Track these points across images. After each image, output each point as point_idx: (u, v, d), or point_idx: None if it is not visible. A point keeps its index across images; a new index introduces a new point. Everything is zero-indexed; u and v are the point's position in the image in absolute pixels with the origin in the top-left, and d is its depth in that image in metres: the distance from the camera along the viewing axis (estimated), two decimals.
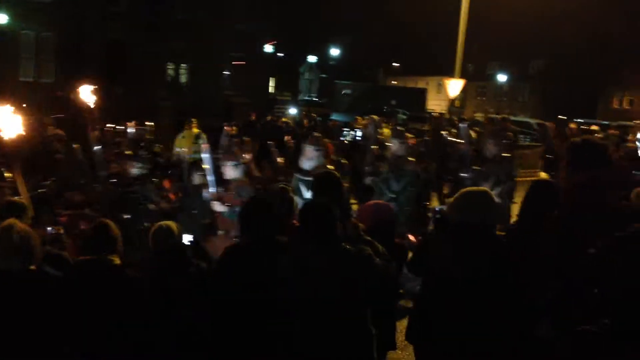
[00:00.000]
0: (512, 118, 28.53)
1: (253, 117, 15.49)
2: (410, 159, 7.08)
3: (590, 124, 18.80)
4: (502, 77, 53.62)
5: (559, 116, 21.96)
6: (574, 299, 2.68)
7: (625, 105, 49.79)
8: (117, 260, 3.50)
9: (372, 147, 7.86)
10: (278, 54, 51.23)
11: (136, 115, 11.39)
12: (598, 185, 2.92)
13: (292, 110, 23.01)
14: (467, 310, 3.14)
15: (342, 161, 8.14)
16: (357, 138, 6.44)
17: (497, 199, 5.27)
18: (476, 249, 3.19)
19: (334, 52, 64.30)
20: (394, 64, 63.12)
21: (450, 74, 19.24)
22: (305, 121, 15.00)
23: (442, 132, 11.13)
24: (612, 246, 2.11)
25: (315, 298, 3.27)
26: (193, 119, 11.78)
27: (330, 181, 4.03)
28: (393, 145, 7.06)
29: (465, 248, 3.21)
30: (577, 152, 3.11)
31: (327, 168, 5.42)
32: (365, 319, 3.36)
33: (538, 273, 3.01)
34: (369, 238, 3.62)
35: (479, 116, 26.68)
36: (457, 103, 19.56)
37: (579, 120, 24.56)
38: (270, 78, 44.71)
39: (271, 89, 46.06)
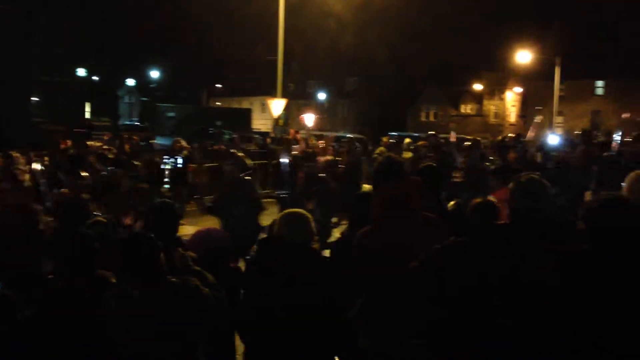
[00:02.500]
0: (333, 134, 29.93)
1: (66, 145, 14.32)
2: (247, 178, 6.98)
3: (403, 137, 20.25)
4: (322, 95, 56.07)
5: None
6: (387, 309, 2.76)
7: (431, 118, 54.73)
8: None
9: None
10: (93, 78, 48.52)
11: None
12: (398, 197, 3.05)
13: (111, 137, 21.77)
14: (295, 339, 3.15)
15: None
16: (179, 165, 6.16)
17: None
18: (297, 271, 3.21)
19: (154, 74, 62.49)
20: (217, 85, 63.02)
21: (272, 93, 19.61)
22: (126, 146, 14.21)
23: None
24: (429, 257, 2.19)
25: (140, 336, 3.02)
26: None
27: (162, 212, 3.83)
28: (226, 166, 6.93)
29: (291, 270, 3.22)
30: (379, 169, 3.25)
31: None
32: (195, 353, 3.18)
33: (355, 285, 3.09)
34: (198, 268, 3.44)
35: (302, 134, 27.52)
36: (280, 122, 19.92)
37: (392, 133, 26.40)
38: (86, 103, 42.12)
39: (87, 115, 43.37)
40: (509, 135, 14.93)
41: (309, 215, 3.55)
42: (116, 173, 6.64)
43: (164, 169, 10.45)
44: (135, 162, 6.21)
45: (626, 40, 36.95)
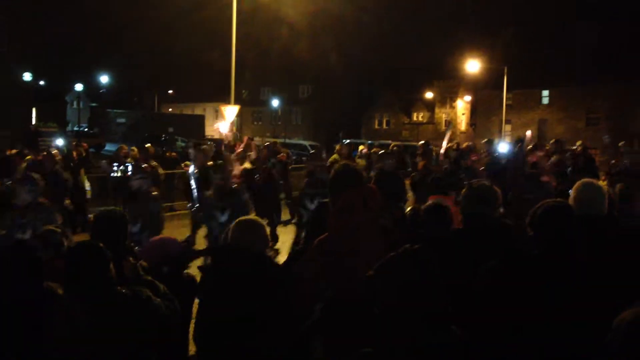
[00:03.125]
0: (288, 141, 29.98)
1: (11, 152, 13.82)
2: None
3: (358, 144, 20.43)
4: (275, 102, 56.05)
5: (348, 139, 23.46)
6: (343, 319, 2.75)
7: (384, 126, 55.45)
8: None
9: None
10: (40, 82, 47.10)
11: None
12: (351, 206, 3.06)
13: (59, 142, 21.14)
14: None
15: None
16: (128, 172, 5.96)
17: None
18: (251, 278, 3.19)
19: (104, 79, 61.12)
20: (169, 91, 62.12)
21: (226, 100, 19.47)
22: (74, 153, 13.80)
23: None
24: (384, 265, 2.19)
25: (88, 350, 2.91)
26: None
27: (110, 221, 3.71)
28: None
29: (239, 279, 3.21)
30: (335, 177, 3.23)
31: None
32: None
33: (312, 293, 3.07)
34: (149, 278, 3.35)
35: (258, 140, 27.45)
36: (234, 128, 19.80)
37: (347, 140, 26.58)
38: (32, 108, 40.80)
39: (34, 120, 42.03)
40: (466, 143, 15.21)
41: (263, 223, 3.52)
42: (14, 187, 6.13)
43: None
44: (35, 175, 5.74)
45: (570, 51, 38.27)
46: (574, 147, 11.52)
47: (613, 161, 12.09)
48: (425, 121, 53.68)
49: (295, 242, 6.12)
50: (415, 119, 54.71)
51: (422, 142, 12.36)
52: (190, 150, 8.18)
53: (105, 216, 3.87)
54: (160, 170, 10.00)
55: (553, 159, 10.29)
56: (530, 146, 10.44)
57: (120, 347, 2.98)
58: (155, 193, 6.50)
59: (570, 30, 38.39)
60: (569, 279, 2.74)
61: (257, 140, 19.45)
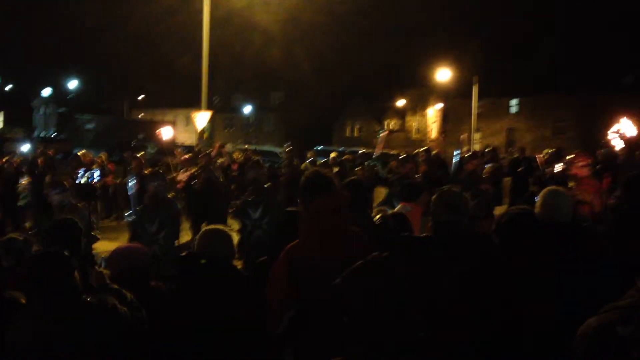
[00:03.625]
0: (259, 148, 29.82)
1: None
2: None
3: (329, 151, 20.42)
4: (247, 109, 55.80)
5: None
6: (314, 328, 2.73)
7: (356, 133, 55.68)
8: None
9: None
10: (6, 87, 46.15)
11: None
12: (323, 212, 3.05)
13: (25, 148, 20.68)
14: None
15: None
16: (95, 179, 5.81)
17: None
18: (217, 287, 3.17)
19: (72, 84, 60.11)
20: (139, 97, 61.38)
21: (197, 106, 19.30)
22: (40, 160, 13.50)
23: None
24: (352, 274, 2.18)
25: (53, 359, 2.84)
26: None
27: (67, 229, 3.64)
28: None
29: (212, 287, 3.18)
30: (306, 183, 3.24)
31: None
32: None
33: (283, 301, 3.06)
34: (115, 286, 3.29)
35: (228, 147, 27.28)
36: (205, 135, 19.65)
37: (319, 147, 26.61)
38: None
39: (1, 124, 41.13)
40: (435, 150, 15.38)
41: (230, 233, 3.52)
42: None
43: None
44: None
45: (538, 61, 39.01)
46: (541, 155, 11.75)
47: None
48: (396, 129, 54.09)
49: (240, 251, 6.05)
50: (386, 126, 55.09)
51: (424, 148, 12.41)
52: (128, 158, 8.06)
53: (57, 225, 3.82)
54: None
55: (487, 167, 10.58)
56: (468, 154, 10.75)
57: (85, 356, 2.91)
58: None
59: (537, 41, 39.16)
60: (536, 285, 2.77)
61: (228, 147, 19.33)
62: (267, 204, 6.59)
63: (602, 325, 1.81)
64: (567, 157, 8.68)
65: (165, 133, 15.58)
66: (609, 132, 10.91)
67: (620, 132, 10.42)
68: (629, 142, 9.91)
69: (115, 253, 4.11)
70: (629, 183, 4.31)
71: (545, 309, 2.71)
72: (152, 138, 35.70)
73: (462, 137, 17.04)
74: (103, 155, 14.55)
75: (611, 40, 36.24)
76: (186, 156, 12.29)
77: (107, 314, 2.97)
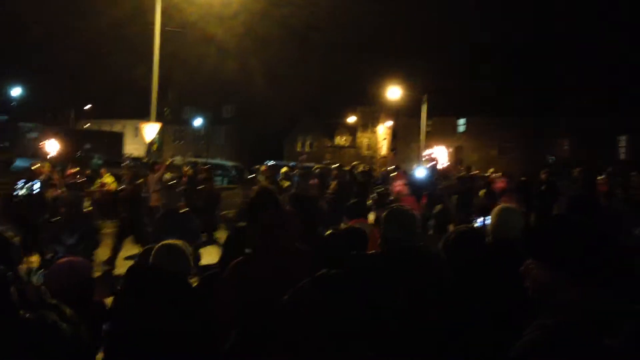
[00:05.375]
0: (210, 161, 29.52)
1: None
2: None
3: (280, 166, 20.41)
4: (198, 121, 55.23)
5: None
6: (258, 345, 2.70)
7: (307, 148, 55.88)
8: None
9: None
10: None
11: None
12: (273, 228, 3.05)
13: None
14: None
15: None
16: (35, 191, 5.59)
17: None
18: (166, 300, 3.10)
19: (15, 92, 58.13)
20: (86, 106, 59.85)
21: (146, 117, 18.98)
22: None
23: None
24: (299, 292, 2.17)
25: None
26: None
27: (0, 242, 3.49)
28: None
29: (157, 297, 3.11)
30: (254, 199, 3.25)
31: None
32: None
33: (230, 316, 3.02)
34: (54, 302, 3.17)
35: (178, 160, 26.90)
36: (154, 147, 19.32)
37: (270, 162, 26.53)
38: None
39: None
40: (383, 168, 15.68)
41: (184, 247, 3.45)
42: None
43: None
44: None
45: (484, 82, 40.15)
46: (487, 174, 12.09)
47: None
48: (347, 145, 54.57)
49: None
50: (338, 142, 55.53)
51: (337, 165, 12.64)
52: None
53: None
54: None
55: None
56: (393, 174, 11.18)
57: None
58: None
59: (484, 62, 40.33)
60: (485, 302, 2.81)
61: (178, 159, 19.06)
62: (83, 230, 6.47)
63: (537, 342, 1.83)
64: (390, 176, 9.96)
65: (50, 147, 14.98)
66: (423, 155, 12.26)
67: (432, 156, 11.77)
68: (443, 170, 11.30)
69: (56, 267, 3.97)
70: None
71: (493, 324, 2.75)
72: (99, 149, 34.88)
73: (383, 156, 17.45)
74: (47, 165, 14.08)
75: (552, 64, 37.74)
76: (159, 172, 12.15)
77: (47, 330, 2.85)
